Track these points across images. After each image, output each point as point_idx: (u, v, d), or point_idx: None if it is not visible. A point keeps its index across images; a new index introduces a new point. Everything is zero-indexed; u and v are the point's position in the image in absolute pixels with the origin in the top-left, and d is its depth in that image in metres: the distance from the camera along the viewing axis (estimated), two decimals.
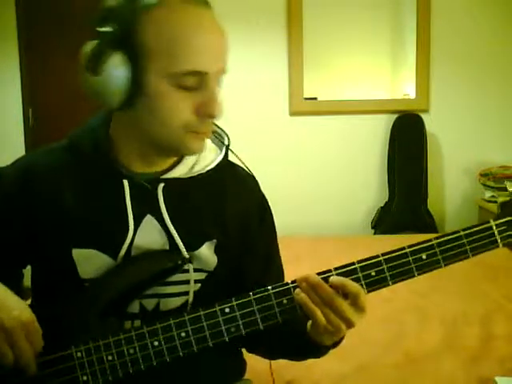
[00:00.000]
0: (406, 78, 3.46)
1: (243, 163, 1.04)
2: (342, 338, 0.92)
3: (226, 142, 1.00)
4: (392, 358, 1.57)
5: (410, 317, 1.85)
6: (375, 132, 3.37)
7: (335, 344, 0.93)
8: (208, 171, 0.96)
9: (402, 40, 3.51)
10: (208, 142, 1.01)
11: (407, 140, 3.28)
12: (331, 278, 0.85)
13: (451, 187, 3.40)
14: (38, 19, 3.51)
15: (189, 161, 0.96)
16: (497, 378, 1.41)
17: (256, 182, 1.06)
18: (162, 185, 0.93)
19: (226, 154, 1.00)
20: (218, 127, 1.03)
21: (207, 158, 0.98)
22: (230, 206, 0.99)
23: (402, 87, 3.52)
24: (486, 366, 1.52)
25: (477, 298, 1.99)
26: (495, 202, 3.08)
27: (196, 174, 0.95)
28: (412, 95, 3.38)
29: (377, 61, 3.47)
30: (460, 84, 3.33)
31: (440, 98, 3.34)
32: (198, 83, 0.85)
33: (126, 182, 0.91)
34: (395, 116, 3.32)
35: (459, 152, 3.36)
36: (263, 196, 1.06)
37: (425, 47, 3.29)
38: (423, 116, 3.30)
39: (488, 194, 3.15)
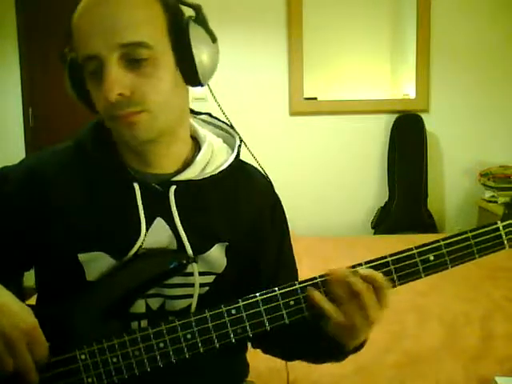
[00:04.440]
0: (405, 78, 3.46)
1: (258, 162, 1.03)
2: (364, 343, 0.91)
3: (238, 142, 0.99)
4: (392, 358, 1.57)
5: (410, 317, 1.85)
6: (375, 132, 3.37)
7: (357, 349, 0.91)
8: (220, 172, 0.94)
9: (401, 40, 3.51)
10: (219, 142, 1.00)
11: (407, 140, 3.28)
12: (359, 269, 0.83)
13: (451, 187, 3.40)
14: (38, 19, 3.51)
15: (200, 162, 0.94)
16: (497, 378, 1.41)
17: (269, 181, 1.04)
18: (173, 187, 0.91)
19: (238, 154, 0.98)
20: (230, 126, 1.02)
21: (219, 158, 0.96)
22: (243, 208, 0.97)
23: (402, 87, 3.51)
24: (486, 365, 1.52)
25: (477, 298, 1.99)
26: (495, 202, 3.08)
27: (208, 175, 0.93)
28: (412, 95, 3.38)
29: (377, 61, 3.47)
30: (460, 84, 3.33)
31: (440, 98, 3.34)
32: (99, 67, 0.81)
33: (136, 186, 0.90)
34: (395, 116, 3.32)
35: (459, 152, 3.36)
36: (276, 196, 1.04)
37: (425, 47, 3.29)
38: (423, 116, 3.30)
39: (488, 194, 3.15)
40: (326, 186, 3.38)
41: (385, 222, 3.29)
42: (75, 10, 0.84)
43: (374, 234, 3.30)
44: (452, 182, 3.40)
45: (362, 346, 0.91)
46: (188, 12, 0.88)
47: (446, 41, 3.29)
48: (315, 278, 0.85)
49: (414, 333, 1.74)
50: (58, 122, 3.48)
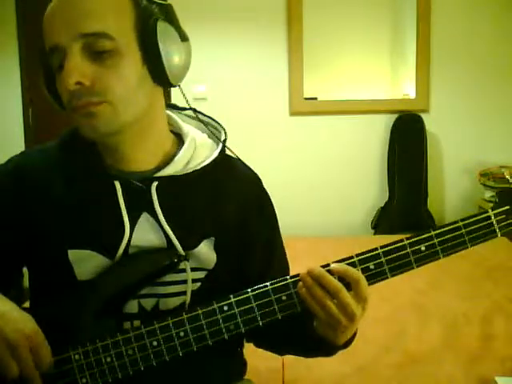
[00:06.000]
0: (405, 78, 3.46)
1: (238, 157, 1.03)
2: (352, 339, 0.91)
3: (223, 137, 0.99)
4: (392, 357, 1.57)
5: (410, 317, 1.85)
6: (375, 132, 3.37)
7: (346, 344, 0.90)
8: (203, 167, 0.94)
9: (402, 40, 3.51)
10: (204, 137, 1.00)
11: (407, 140, 3.28)
12: (332, 265, 0.84)
13: (451, 187, 3.40)
14: (38, 19, 3.51)
15: (182, 157, 0.94)
16: (497, 378, 1.41)
17: (255, 174, 1.04)
18: (155, 183, 0.91)
19: (223, 150, 0.98)
20: (216, 121, 1.02)
21: (202, 153, 0.96)
22: (229, 202, 0.97)
23: (402, 87, 3.51)
24: (486, 366, 1.52)
25: (477, 298, 1.99)
26: (495, 201, 3.07)
27: (191, 170, 0.93)
28: (412, 95, 3.38)
29: (377, 61, 3.47)
30: (460, 84, 3.32)
31: (440, 98, 3.34)
32: (63, 59, 0.82)
33: (117, 184, 0.90)
34: (395, 116, 3.32)
35: (459, 152, 3.36)
36: (264, 190, 1.04)
37: (425, 47, 3.29)
38: (423, 116, 3.30)
39: (488, 194, 3.15)
40: (326, 186, 3.37)
41: (385, 222, 3.28)
42: None
43: (374, 234, 3.30)
44: (452, 182, 3.40)
45: (351, 340, 0.91)
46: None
47: (446, 41, 3.29)
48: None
49: (414, 332, 1.74)
50: (58, 122, 3.48)
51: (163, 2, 0.87)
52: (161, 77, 0.87)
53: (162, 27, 0.85)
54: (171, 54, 0.86)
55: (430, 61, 3.30)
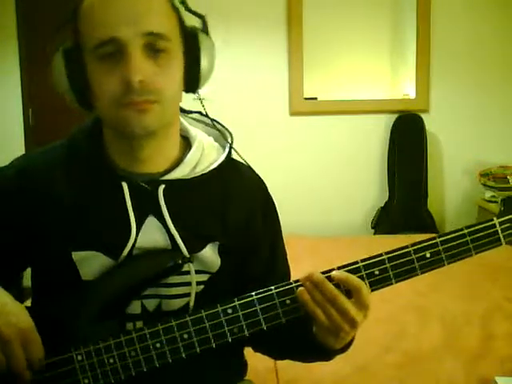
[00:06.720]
0: (405, 78, 3.46)
1: (246, 162, 1.03)
2: (350, 343, 0.90)
3: (230, 141, 0.99)
4: (392, 357, 1.57)
5: (410, 317, 1.85)
6: (375, 132, 3.37)
7: (344, 349, 0.90)
8: (211, 171, 0.95)
9: (402, 40, 3.51)
10: (210, 140, 1.00)
11: (407, 140, 3.28)
12: (333, 272, 0.83)
13: (451, 187, 3.40)
14: (38, 19, 3.51)
15: (190, 161, 0.94)
16: (497, 378, 1.41)
17: (259, 178, 1.04)
18: (162, 186, 0.91)
19: (230, 153, 0.98)
20: (221, 125, 1.02)
21: (209, 157, 0.97)
22: (234, 206, 0.97)
23: (402, 87, 3.51)
24: (486, 365, 1.52)
25: (477, 298, 1.99)
26: (495, 201, 3.07)
27: (198, 174, 0.94)
28: (412, 95, 3.38)
29: (377, 61, 3.47)
30: (460, 84, 3.33)
31: (440, 98, 3.34)
32: (118, 51, 0.82)
33: (125, 185, 0.90)
34: (395, 116, 3.32)
35: (459, 152, 3.36)
36: (268, 194, 1.04)
37: (425, 47, 3.29)
38: (423, 116, 3.30)
39: (488, 194, 3.15)
40: (325, 186, 3.37)
41: (385, 222, 3.28)
42: None
43: (374, 234, 3.30)
44: (452, 182, 3.40)
45: (349, 345, 0.91)
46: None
47: (446, 41, 3.29)
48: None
49: (414, 332, 1.74)
50: (58, 122, 3.48)
51: (198, 12, 0.91)
52: (194, 85, 0.91)
53: (203, 39, 0.89)
54: (206, 66, 0.90)
55: (429, 61, 3.30)
